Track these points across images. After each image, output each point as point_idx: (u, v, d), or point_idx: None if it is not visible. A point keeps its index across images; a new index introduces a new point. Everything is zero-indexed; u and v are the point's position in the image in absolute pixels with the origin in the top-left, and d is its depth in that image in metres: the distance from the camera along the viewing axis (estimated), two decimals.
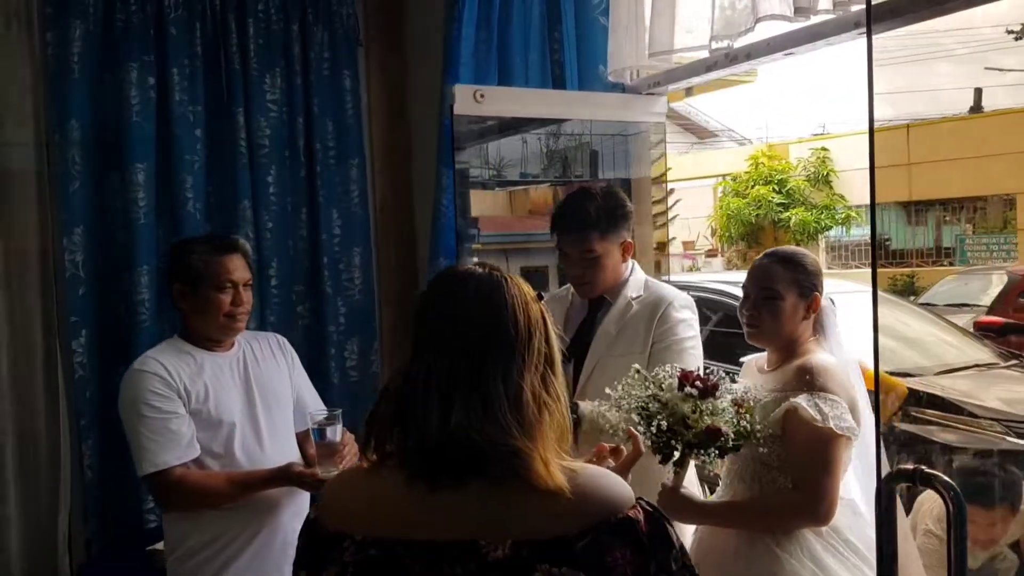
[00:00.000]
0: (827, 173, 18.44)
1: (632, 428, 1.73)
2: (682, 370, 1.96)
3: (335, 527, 1.17)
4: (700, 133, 24.61)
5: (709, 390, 1.91)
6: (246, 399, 2.23)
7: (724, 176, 19.96)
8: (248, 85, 3.21)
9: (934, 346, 6.21)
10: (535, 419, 1.14)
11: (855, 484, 2.06)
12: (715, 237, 20.60)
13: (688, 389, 1.91)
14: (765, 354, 2.22)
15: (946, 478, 1.29)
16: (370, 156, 3.48)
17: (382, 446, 1.18)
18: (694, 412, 1.89)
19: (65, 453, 3.02)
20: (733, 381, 2.04)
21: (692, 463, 2.00)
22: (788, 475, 1.99)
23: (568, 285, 2.50)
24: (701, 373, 1.97)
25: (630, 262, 2.41)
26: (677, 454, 1.94)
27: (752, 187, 18.77)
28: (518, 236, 4.33)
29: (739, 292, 2.19)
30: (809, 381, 1.99)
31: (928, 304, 10.49)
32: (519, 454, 1.10)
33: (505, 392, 1.13)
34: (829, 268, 17.46)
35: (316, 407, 2.32)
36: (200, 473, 2.12)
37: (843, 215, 18.16)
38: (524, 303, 1.19)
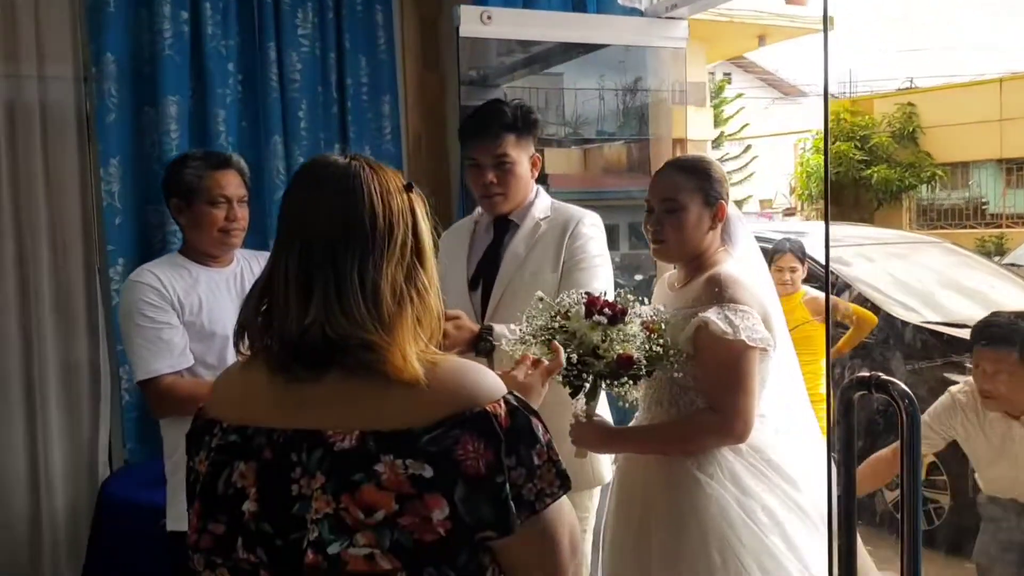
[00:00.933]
0: (912, 129, 17.73)
1: (555, 341, 1.70)
2: (588, 295, 1.87)
3: (211, 414, 1.21)
4: (782, 87, 23.91)
5: (618, 316, 1.82)
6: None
7: (804, 132, 19.39)
8: (280, 19, 3.24)
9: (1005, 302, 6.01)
10: (393, 312, 1.13)
11: (777, 402, 1.99)
12: (794, 195, 20.10)
13: (597, 317, 1.81)
14: (676, 271, 2.12)
15: (903, 386, 1.24)
16: (403, 93, 3.49)
17: (253, 339, 1.20)
18: (604, 340, 1.80)
19: (105, 377, 3.15)
20: (642, 303, 1.95)
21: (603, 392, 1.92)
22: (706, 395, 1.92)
23: (470, 215, 2.45)
24: (611, 294, 1.91)
25: (534, 185, 2.34)
26: (588, 385, 1.86)
27: (833, 143, 18.18)
28: (590, 193, 4.31)
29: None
30: (718, 293, 1.89)
31: (1013, 265, 10.10)
32: (372, 347, 1.10)
33: (361, 285, 1.12)
34: (916, 230, 16.87)
35: None
36: (190, 381, 2.18)
37: (929, 173, 17.47)
38: (384, 192, 1.16)
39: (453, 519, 1.05)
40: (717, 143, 18.78)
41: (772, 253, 4.39)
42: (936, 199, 18.40)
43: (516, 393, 1.15)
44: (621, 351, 1.80)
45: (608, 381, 1.85)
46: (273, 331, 1.16)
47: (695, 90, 14.86)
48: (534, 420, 1.13)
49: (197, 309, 2.22)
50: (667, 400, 1.97)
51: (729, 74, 22.87)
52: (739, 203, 19.62)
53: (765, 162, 19.42)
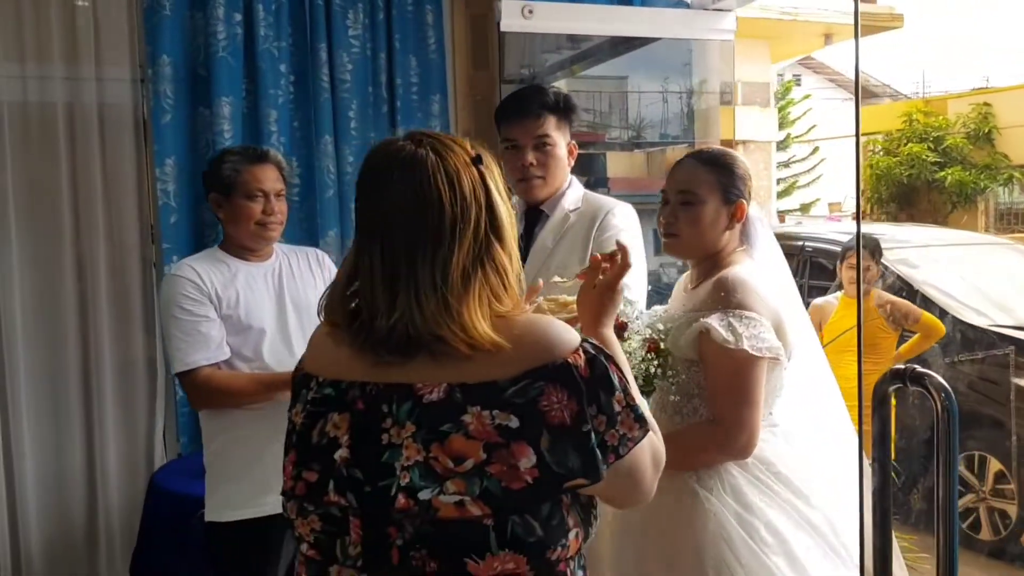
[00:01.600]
0: (988, 130, 17.16)
1: (621, 241, 1.57)
2: None
3: (308, 369, 1.27)
4: (849, 87, 23.37)
5: (616, 331, 1.72)
6: (277, 307, 2.30)
7: (875, 134, 18.94)
8: (331, 20, 3.27)
9: None
10: (461, 296, 1.15)
11: (790, 411, 1.88)
12: (863, 198, 19.61)
13: None
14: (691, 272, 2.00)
15: (939, 378, 1.17)
16: (453, 92, 3.49)
17: (340, 323, 1.24)
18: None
19: (160, 372, 3.22)
20: (637, 312, 1.86)
21: None
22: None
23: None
24: (641, 291, 1.84)
25: (569, 174, 2.28)
26: None
27: (905, 145, 17.71)
28: (651, 196, 4.28)
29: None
30: (724, 298, 1.77)
31: None
32: (443, 340, 1.14)
33: (432, 280, 1.15)
34: (993, 233, 16.32)
35: None
36: (226, 373, 2.20)
37: (1006, 175, 16.89)
38: (452, 177, 1.17)
39: (540, 467, 1.09)
40: (784, 145, 18.43)
41: (844, 251, 4.31)
42: (1014, 202, 17.78)
43: (592, 340, 1.18)
44: None
45: None
46: (362, 320, 1.20)
47: (759, 90, 14.63)
48: (611, 367, 1.16)
49: (235, 303, 2.24)
50: (671, 406, 1.87)
51: (799, 76, 22.48)
52: (807, 206, 19.23)
53: (834, 164, 18.99)
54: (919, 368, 1.19)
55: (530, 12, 2.30)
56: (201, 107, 3.16)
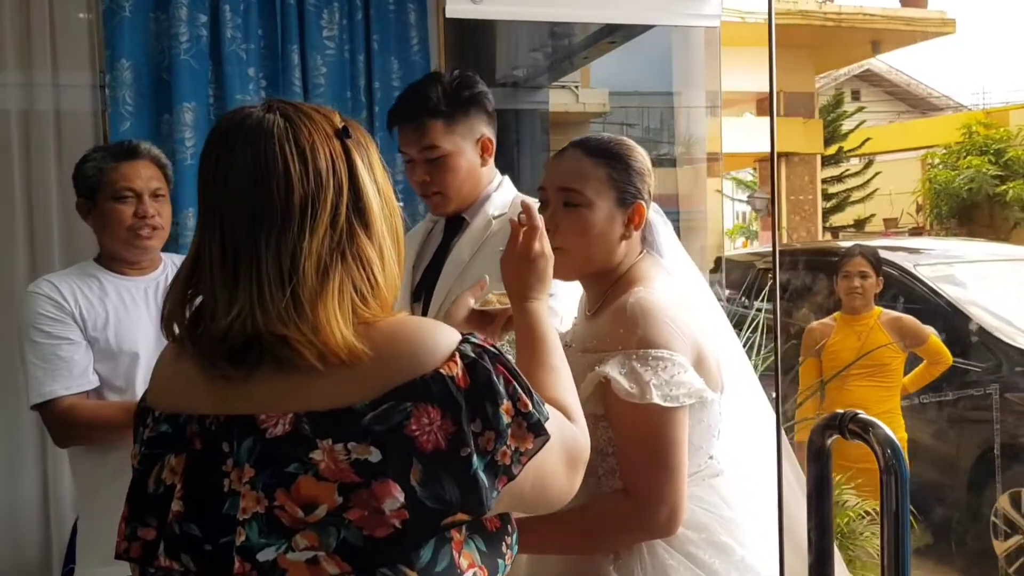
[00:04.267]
0: None
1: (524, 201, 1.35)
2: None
3: (147, 402, 1.08)
4: (908, 100, 22.72)
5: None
6: (156, 328, 2.01)
7: (933, 148, 18.31)
8: (304, 21, 3.06)
9: None
10: (315, 290, 0.96)
11: (735, 446, 1.51)
12: (920, 214, 18.94)
13: None
14: None
15: (886, 430, 0.90)
16: None
17: (181, 331, 1.05)
18: None
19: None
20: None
21: None
22: None
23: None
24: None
25: (495, 172, 1.97)
26: None
27: (964, 158, 17.07)
28: (694, 213, 4.02)
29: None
30: (624, 335, 1.39)
31: None
32: (288, 342, 0.95)
33: (278, 268, 0.97)
34: None
35: None
36: (93, 403, 1.94)
37: None
38: (304, 148, 0.98)
39: (410, 506, 0.90)
40: (836, 159, 17.88)
41: (841, 258, 3.92)
42: None
43: (473, 339, 0.99)
44: None
45: None
46: (203, 325, 1.01)
47: (802, 101, 14.20)
48: (496, 368, 0.96)
49: (103, 324, 1.97)
50: (613, 476, 1.47)
51: (857, 90, 21.94)
52: (861, 221, 18.62)
53: (888, 178, 18.38)
54: (861, 414, 0.91)
55: None
56: (165, 113, 2.98)
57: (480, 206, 1.97)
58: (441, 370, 0.94)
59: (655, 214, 1.59)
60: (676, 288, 1.52)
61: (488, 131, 1.96)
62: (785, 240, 13.59)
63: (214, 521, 0.94)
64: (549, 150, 3.70)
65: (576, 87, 9.31)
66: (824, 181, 17.61)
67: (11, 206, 2.91)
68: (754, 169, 17.24)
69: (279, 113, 1.01)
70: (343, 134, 1.02)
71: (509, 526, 1.03)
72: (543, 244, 1.27)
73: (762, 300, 3.63)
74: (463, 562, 0.95)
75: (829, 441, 0.97)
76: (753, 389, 1.65)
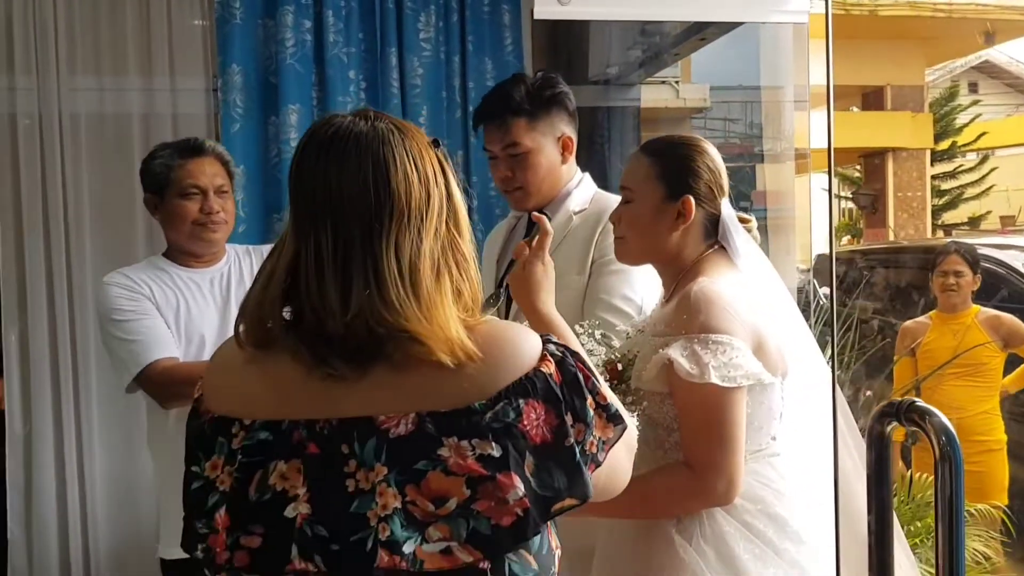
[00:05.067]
0: None
1: (537, 214, 1.47)
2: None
3: (220, 411, 1.07)
4: None
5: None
6: (221, 317, 2.11)
7: None
8: (402, 24, 3.18)
9: None
10: (433, 289, 1.02)
11: (795, 434, 1.58)
12: None
13: None
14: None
15: (942, 418, 0.92)
16: None
17: (262, 330, 1.07)
18: None
19: None
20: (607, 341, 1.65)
21: None
22: None
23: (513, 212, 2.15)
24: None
25: (576, 170, 2.01)
26: None
27: None
28: (782, 210, 4.02)
29: None
30: (687, 320, 1.50)
31: None
32: (418, 338, 0.99)
33: (399, 267, 1.01)
34: None
35: None
36: (189, 362, 2.00)
37: None
38: (416, 157, 1.05)
39: (529, 496, 0.98)
40: (949, 154, 17.19)
41: (936, 256, 3.82)
42: None
43: (552, 338, 1.07)
44: None
45: None
46: (304, 324, 1.04)
47: (910, 94, 13.71)
48: (576, 364, 1.04)
49: (172, 313, 2.07)
50: (653, 440, 1.61)
51: (975, 82, 21.07)
52: (976, 219, 17.86)
53: (1006, 173, 17.57)
54: (918, 402, 0.93)
55: None
56: (272, 115, 3.14)
57: (561, 202, 2.04)
58: (541, 368, 1.01)
59: (728, 211, 1.66)
60: (741, 280, 1.59)
61: (569, 130, 2.03)
62: (892, 238, 13.18)
63: (343, 521, 0.98)
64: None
65: (676, 82, 9.19)
66: (936, 177, 16.95)
67: (133, 204, 3.11)
68: (859, 165, 16.73)
69: (389, 122, 1.07)
70: (436, 144, 1.10)
71: None
72: (546, 262, 1.41)
73: (856, 298, 3.58)
74: (553, 543, 1.04)
75: (888, 428, 1.00)
76: (821, 379, 1.70)
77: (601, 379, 1.07)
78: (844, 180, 18.92)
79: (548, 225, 1.39)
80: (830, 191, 1.28)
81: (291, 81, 3.09)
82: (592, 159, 3.23)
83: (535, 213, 1.38)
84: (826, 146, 1.39)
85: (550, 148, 2.01)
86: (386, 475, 0.97)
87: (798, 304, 3.17)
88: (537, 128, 1.98)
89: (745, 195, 8.60)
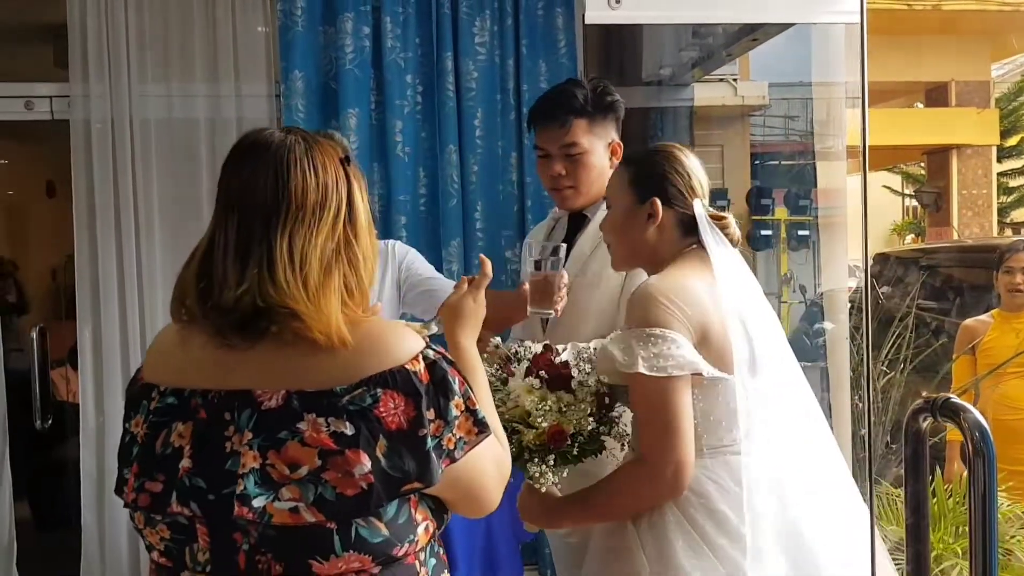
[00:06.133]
0: None
1: (483, 256, 1.56)
2: (544, 349, 1.64)
3: (148, 378, 1.27)
4: None
5: (556, 380, 1.58)
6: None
7: None
8: (458, 29, 3.24)
9: None
10: (320, 280, 1.18)
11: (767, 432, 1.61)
12: None
13: (530, 379, 1.59)
14: None
15: (976, 414, 0.94)
16: None
17: (191, 307, 1.24)
18: (539, 408, 1.57)
19: None
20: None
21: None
22: None
23: (551, 213, 2.21)
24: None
25: None
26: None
27: None
28: (834, 209, 4.01)
29: None
30: (630, 316, 1.61)
31: None
32: (298, 315, 1.15)
33: (290, 256, 1.17)
34: None
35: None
36: None
37: None
38: (316, 165, 1.21)
39: (375, 472, 1.12)
40: (1017, 151, 16.71)
41: (1002, 254, 3.76)
42: None
43: (433, 346, 1.22)
44: (554, 422, 1.56)
45: (533, 458, 1.58)
46: (211, 300, 1.20)
47: (976, 90, 13.37)
48: (451, 371, 1.19)
49: None
50: (636, 442, 1.68)
51: None
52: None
53: None
54: (953, 398, 0.95)
55: (617, 2, 2.14)
56: (332, 120, 3.23)
57: (601, 205, 2.09)
58: (407, 365, 1.16)
59: (698, 208, 1.73)
60: (708, 278, 1.65)
61: (617, 136, 2.12)
62: (956, 236, 12.89)
63: (218, 475, 1.14)
64: (695, 146, 3.74)
65: (734, 80, 9.08)
66: (1003, 175, 16.50)
67: (200, 205, 3.23)
68: (923, 162, 16.37)
69: (299, 135, 1.24)
70: (346, 161, 1.26)
71: None
72: (477, 300, 1.51)
73: (913, 297, 3.55)
74: (418, 516, 1.18)
75: (924, 424, 1.02)
76: (794, 378, 1.73)
77: (486, 391, 1.24)
78: (907, 178, 18.51)
79: (488, 269, 1.51)
80: (864, 190, 1.30)
81: (350, 86, 3.18)
82: None
83: (480, 255, 1.51)
84: (878, 143, 1.40)
85: (601, 151, 2.10)
86: (251, 439, 1.14)
87: (855, 304, 3.17)
88: (594, 131, 2.07)
89: (805, 192, 8.51)
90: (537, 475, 1.59)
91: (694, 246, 1.73)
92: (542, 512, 1.72)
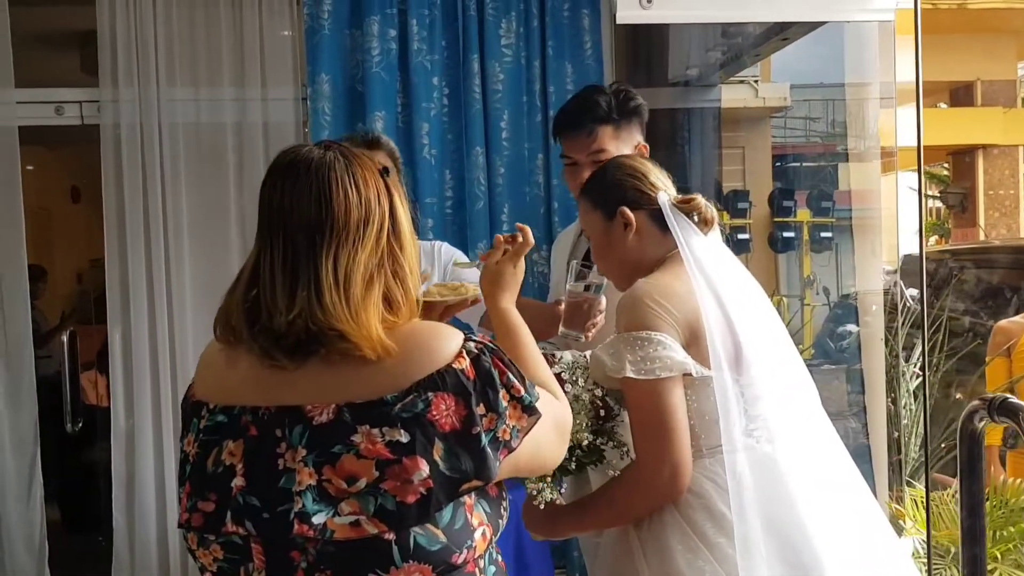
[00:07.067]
0: None
1: (521, 224, 1.54)
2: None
3: (199, 395, 1.27)
4: None
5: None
6: None
7: None
8: (483, 31, 3.24)
9: None
10: (361, 295, 1.18)
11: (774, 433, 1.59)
12: None
13: None
14: None
15: None
16: None
17: (229, 327, 1.25)
18: None
19: None
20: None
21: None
22: None
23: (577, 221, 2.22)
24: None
25: None
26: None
27: None
28: (868, 210, 3.98)
29: None
30: (619, 321, 1.62)
31: None
32: (345, 336, 1.15)
33: (335, 276, 1.17)
34: None
35: None
36: None
37: None
38: (357, 180, 1.21)
39: (433, 476, 1.12)
40: None
41: None
42: None
43: (475, 337, 1.21)
44: None
45: None
46: (259, 323, 1.20)
47: (1003, 89, 13.23)
48: (494, 361, 1.19)
49: None
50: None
51: None
52: None
53: None
54: (1011, 399, 0.93)
55: (648, 1, 2.12)
56: (359, 123, 3.23)
57: None
58: (453, 365, 1.16)
59: (665, 203, 1.72)
60: (687, 275, 1.64)
61: (643, 139, 2.13)
62: (982, 237, 12.75)
63: (272, 493, 1.14)
64: (721, 148, 3.72)
65: (756, 81, 9.03)
66: None
67: (227, 209, 3.25)
68: (947, 163, 16.22)
69: (337, 151, 1.23)
70: (385, 172, 1.26)
71: (504, 492, 1.26)
72: (518, 266, 1.53)
73: (945, 298, 3.50)
74: (474, 521, 1.17)
75: (980, 425, 1.00)
76: (801, 380, 1.71)
77: (520, 373, 1.22)
78: (931, 179, 18.32)
79: (530, 236, 1.51)
80: (920, 189, 1.27)
81: (377, 89, 3.19)
82: (673, 160, 3.24)
83: (518, 224, 1.52)
84: (914, 143, 1.38)
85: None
86: (305, 456, 1.14)
87: (885, 306, 3.13)
88: (620, 136, 2.09)
89: (827, 194, 8.45)
90: (535, 492, 1.58)
91: (664, 244, 1.73)
92: (544, 521, 1.71)
